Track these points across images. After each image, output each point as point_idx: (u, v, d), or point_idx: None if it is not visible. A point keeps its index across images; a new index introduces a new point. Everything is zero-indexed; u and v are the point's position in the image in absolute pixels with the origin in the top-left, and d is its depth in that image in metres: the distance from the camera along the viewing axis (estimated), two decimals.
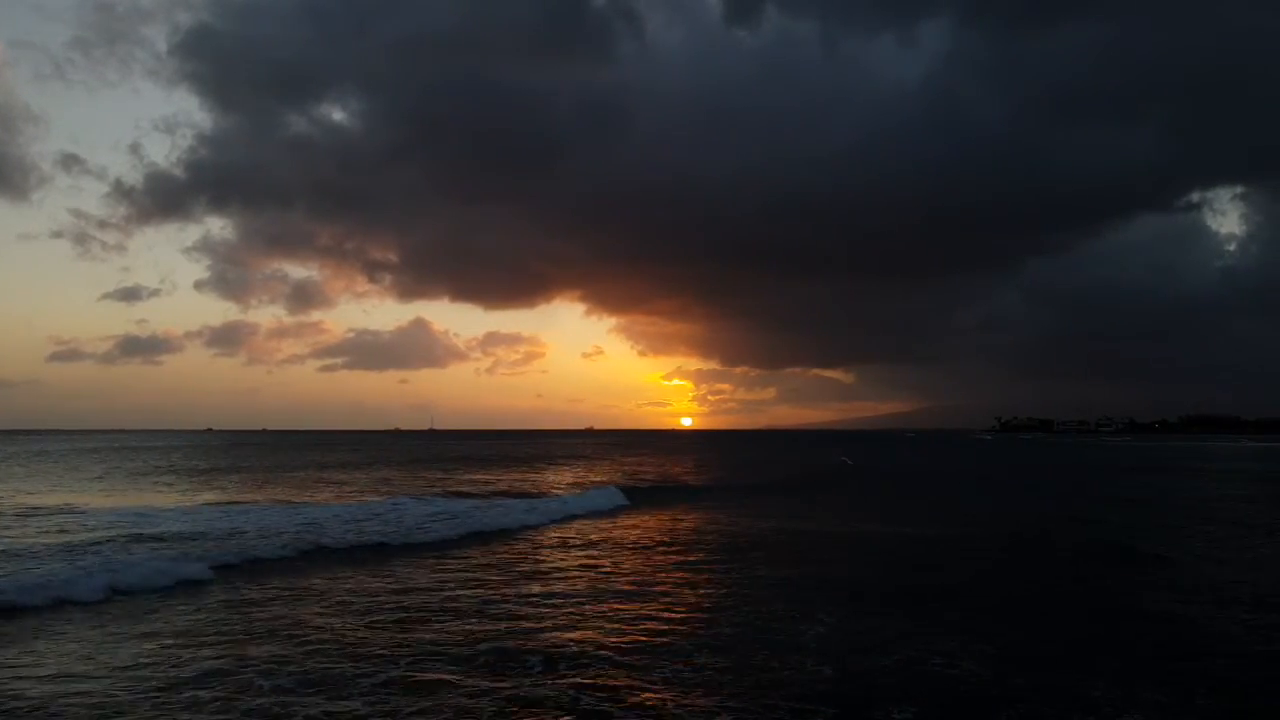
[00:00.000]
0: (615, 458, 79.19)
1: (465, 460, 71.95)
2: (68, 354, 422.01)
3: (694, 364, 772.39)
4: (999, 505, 30.94)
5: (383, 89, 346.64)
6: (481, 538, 22.12)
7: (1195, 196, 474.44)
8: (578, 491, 29.64)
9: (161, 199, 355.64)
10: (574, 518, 26.53)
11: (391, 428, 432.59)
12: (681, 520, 25.92)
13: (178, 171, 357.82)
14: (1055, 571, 17.14)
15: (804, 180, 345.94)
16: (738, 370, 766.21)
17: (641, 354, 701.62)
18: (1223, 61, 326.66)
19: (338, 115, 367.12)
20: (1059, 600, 14.09)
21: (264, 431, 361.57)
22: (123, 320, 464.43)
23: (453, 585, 15.20)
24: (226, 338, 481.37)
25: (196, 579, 15.50)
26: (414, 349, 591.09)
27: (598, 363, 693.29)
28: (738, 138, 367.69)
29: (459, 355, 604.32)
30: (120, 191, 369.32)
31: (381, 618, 12.48)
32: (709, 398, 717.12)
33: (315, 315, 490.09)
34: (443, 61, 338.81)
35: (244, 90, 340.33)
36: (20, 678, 9.51)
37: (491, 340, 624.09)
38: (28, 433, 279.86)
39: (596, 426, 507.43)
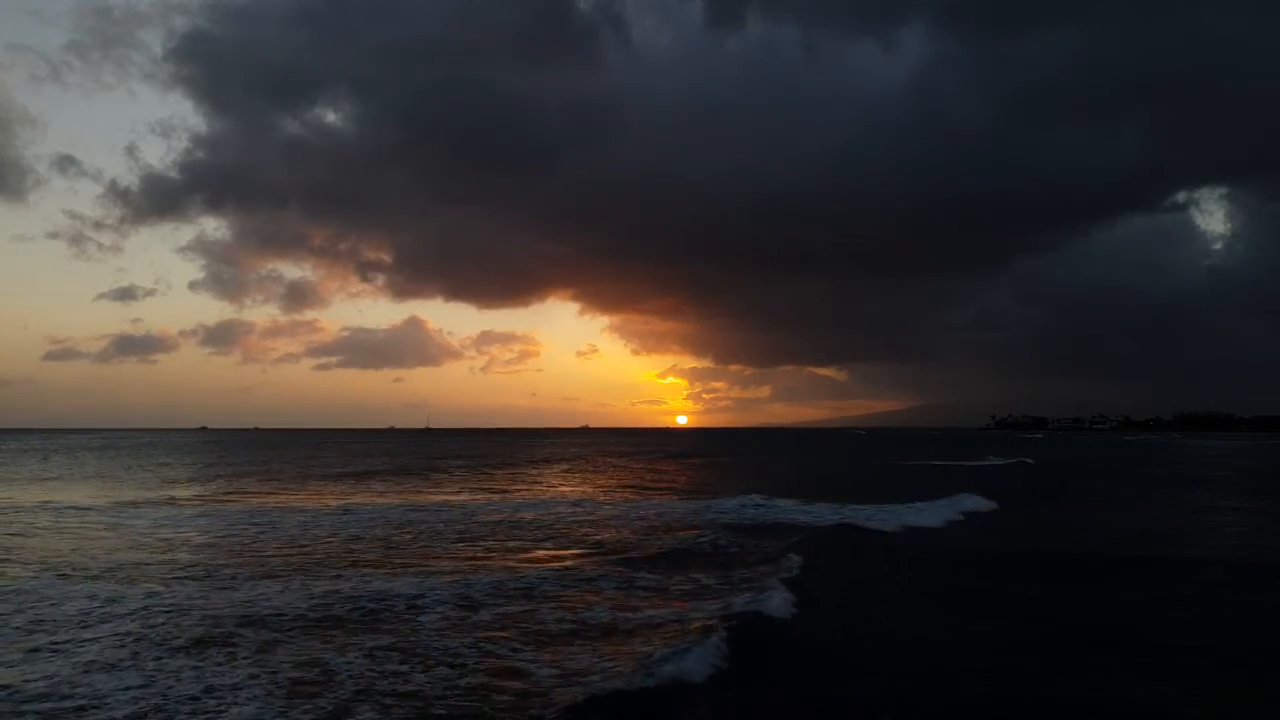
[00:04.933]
0: (749, 459, 78.74)
1: (574, 460, 71.21)
2: (63, 353, 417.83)
3: (688, 362, 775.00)
4: None
5: (375, 92, 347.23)
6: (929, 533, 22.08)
7: (1182, 196, 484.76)
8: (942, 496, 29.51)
9: (157, 200, 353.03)
10: (974, 515, 26.74)
11: (387, 426, 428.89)
12: (1079, 520, 25.94)
13: (173, 173, 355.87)
14: None
15: (793, 181, 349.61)
16: (732, 368, 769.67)
17: (635, 352, 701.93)
18: (1203, 64, 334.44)
19: (330, 118, 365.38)
20: None
21: (256, 430, 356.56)
22: (118, 320, 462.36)
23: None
24: (221, 337, 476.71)
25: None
26: (408, 348, 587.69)
27: (592, 361, 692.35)
28: (726, 139, 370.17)
29: (453, 354, 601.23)
30: (115, 193, 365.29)
31: None
32: (704, 396, 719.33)
33: (309, 314, 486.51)
34: (433, 65, 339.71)
35: (238, 93, 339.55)
36: None
37: (486, 339, 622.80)
38: (23, 431, 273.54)
39: (592, 425, 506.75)
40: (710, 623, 11.38)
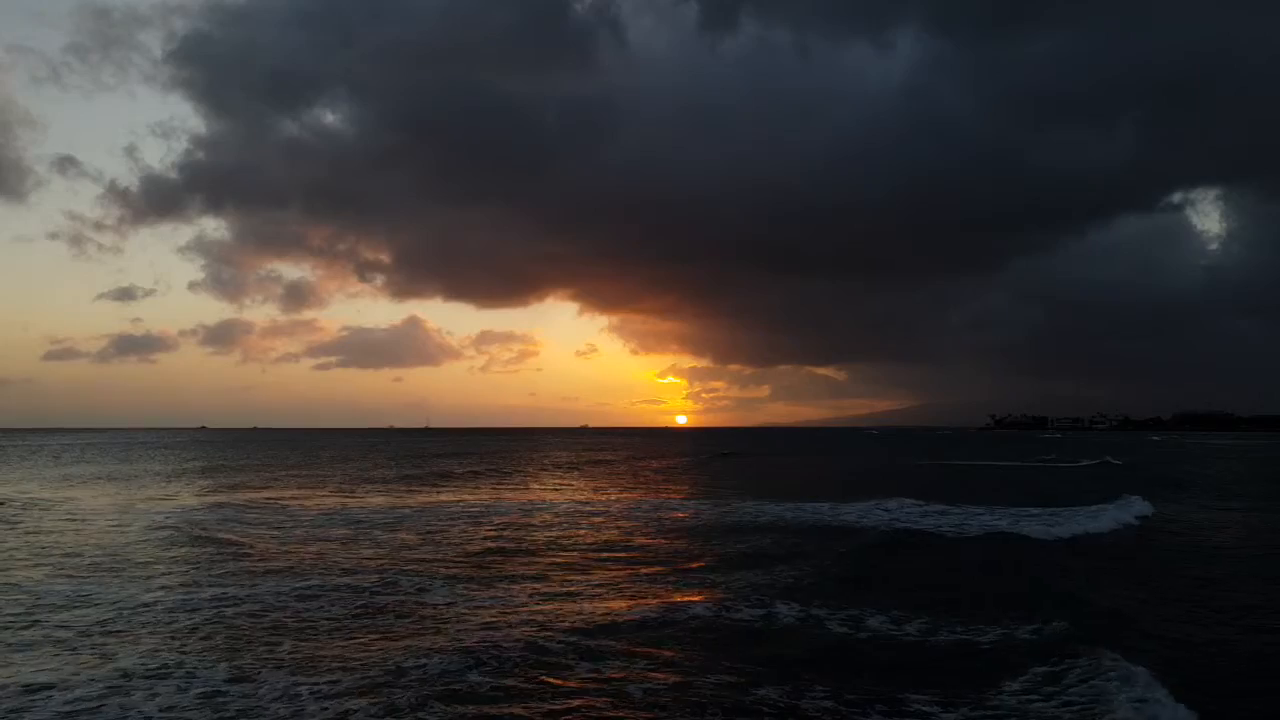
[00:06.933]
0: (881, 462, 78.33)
1: (638, 461, 71.21)
2: (63, 353, 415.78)
3: (687, 361, 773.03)
4: None
5: (373, 93, 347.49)
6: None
7: (1177, 197, 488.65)
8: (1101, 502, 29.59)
9: (156, 201, 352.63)
10: (1154, 519, 26.77)
11: (386, 425, 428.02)
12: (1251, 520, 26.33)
13: (172, 174, 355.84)
14: None
15: (789, 181, 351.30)
16: (731, 368, 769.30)
17: (634, 352, 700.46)
18: (1198, 65, 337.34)
19: (329, 119, 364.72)
20: None
21: (256, 430, 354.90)
22: (118, 319, 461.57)
23: None
24: (221, 336, 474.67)
25: None
26: (408, 347, 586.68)
27: (591, 361, 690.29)
28: (723, 139, 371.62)
29: (453, 354, 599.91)
30: (115, 193, 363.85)
31: None
32: (703, 395, 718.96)
33: (309, 314, 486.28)
34: (431, 67, 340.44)
35: (237, 95, 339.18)
36: None
37: (485, 339, 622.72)
38: (23, 431, 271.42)
39: (591, 424, 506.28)
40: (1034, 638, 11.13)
